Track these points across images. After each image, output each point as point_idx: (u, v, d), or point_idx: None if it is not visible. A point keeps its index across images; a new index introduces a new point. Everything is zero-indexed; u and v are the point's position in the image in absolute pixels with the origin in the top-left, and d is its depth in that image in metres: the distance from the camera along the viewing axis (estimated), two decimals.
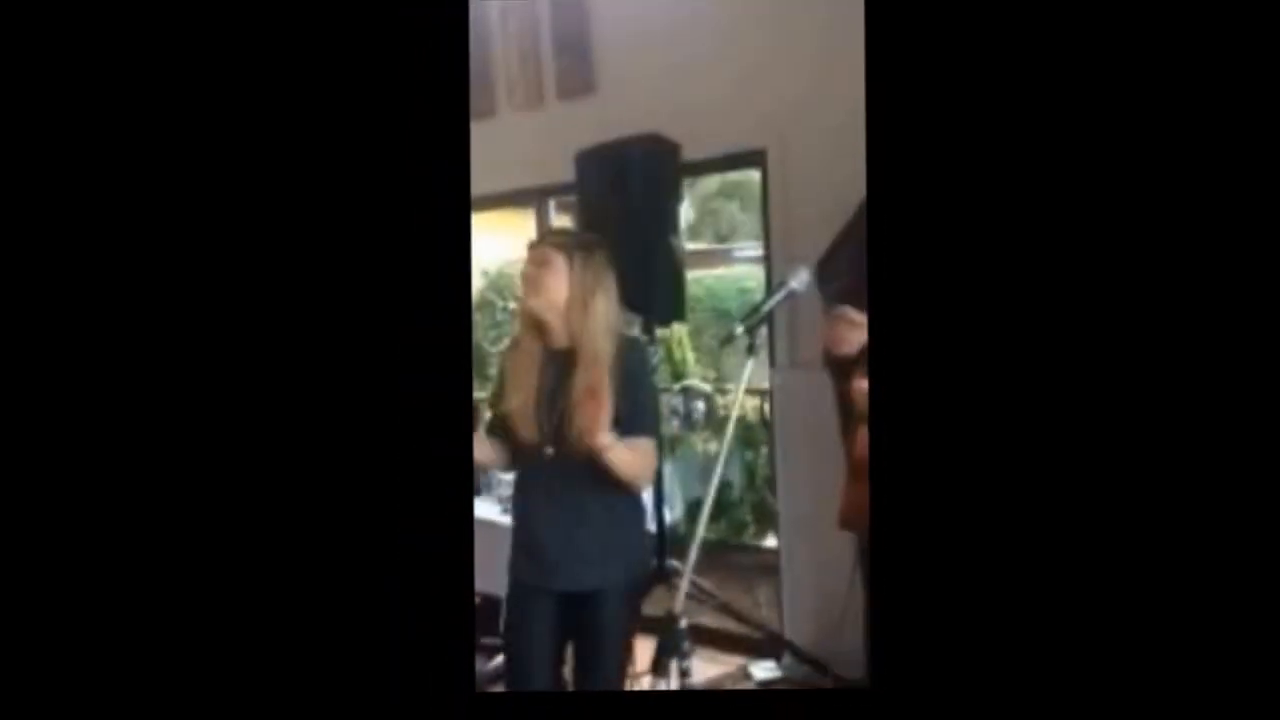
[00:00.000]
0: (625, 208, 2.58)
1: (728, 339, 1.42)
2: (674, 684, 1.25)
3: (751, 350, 1.41)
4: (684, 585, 1.25)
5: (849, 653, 2.10)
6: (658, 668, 1.23)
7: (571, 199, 3.18)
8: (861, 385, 1.63)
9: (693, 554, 1.30)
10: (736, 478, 3.96)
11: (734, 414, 1.51)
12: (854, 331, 1.74)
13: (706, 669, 2.13)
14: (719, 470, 1.38)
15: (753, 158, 2.81)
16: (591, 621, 1.66)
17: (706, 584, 2.34)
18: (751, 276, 5.55)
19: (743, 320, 1.42)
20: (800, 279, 1.46)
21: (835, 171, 2.44)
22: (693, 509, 3.89)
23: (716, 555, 3.47)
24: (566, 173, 2.80)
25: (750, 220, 5.93)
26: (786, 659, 2.59)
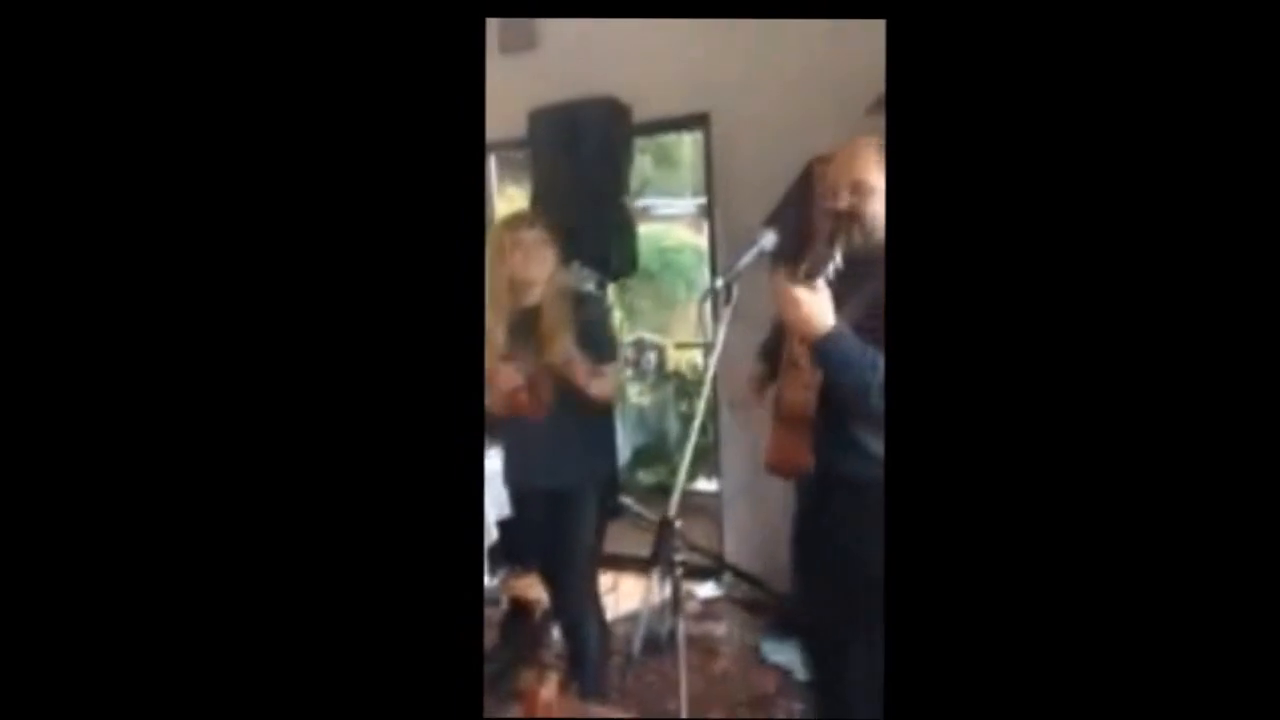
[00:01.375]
0: (579, 167, 2.70)
1: (709, 292, 1.61)
2: (667, 589, 1.48)
3: (729, 303, 1.60)
4: (678, 488, 1.47)
5: (781, 570, 2.40)
6: (655, 559, 1.46)
7: (513, 155, 3.25)
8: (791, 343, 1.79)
9: (675, 497, 1.49)
10: (674, 427, 4.20)
11: (712, 365, 1.62)
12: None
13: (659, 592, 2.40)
14: (699, 419, 1.57)
15: (696, 121, 2.96)
16: (566, 516, 2.05)
17: (653, 516, 2.58)
18: (669, 235, 5.70)
19: (723, 275, 1.61)
20: (768, 239, 1.66)
21: (776, 136, 2.64)
22: (637, 456, 4.12)
23: (658, 497, 3.73)
24: (511, 129, 2.86)
25: (663, 176, 6.06)
26: (726, 579, 2.91)
